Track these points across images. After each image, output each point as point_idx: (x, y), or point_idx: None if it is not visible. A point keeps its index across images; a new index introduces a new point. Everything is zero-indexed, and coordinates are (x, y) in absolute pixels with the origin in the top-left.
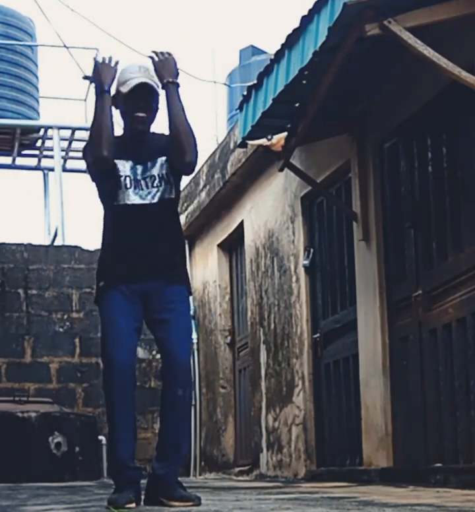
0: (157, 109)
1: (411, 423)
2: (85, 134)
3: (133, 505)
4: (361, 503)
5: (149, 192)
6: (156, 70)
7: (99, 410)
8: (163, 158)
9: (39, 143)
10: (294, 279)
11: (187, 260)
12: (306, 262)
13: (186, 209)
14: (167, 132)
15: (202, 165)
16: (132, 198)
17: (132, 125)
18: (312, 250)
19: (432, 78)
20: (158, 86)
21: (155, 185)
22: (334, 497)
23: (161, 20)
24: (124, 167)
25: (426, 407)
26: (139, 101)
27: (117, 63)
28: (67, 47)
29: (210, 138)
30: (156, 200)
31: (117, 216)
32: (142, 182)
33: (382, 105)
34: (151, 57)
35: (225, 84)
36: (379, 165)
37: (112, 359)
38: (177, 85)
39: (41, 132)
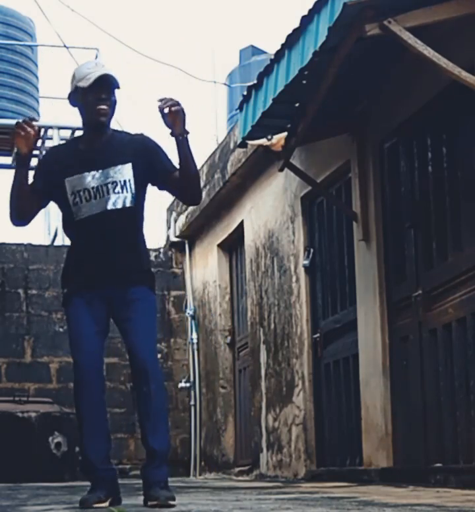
0: (116, 102)
1: (411, 423)
2: None
3: (104, 504)
4: (361, 503)
5: (108, 199)
6: (166, 123)
7: None
8: (129, 165)
9: (39, 143)
10: (294, 279)
11: (150, 263)
12: (306, 262)
13: (186, 209)
14: (128, 130)
15: (202, 165)
16: (91, 210)
17: (93, 119)
18: (312, 250)
19: (432, 78)
20: (117, 80)
21: (116, 191)
22: (334, 497)
23: (161, 20)
24: (80, 181)
25: (426, 407)
26: (101, 93)
27: (38, 132)
28: (67, 47)
29: (210, 138)
30: (115, 206)
31: (75, 230)
32: (103, 187)
33: (382, 105)
34: (161, 109)
35: (225, 84)
36: (379, 165)
37: (76, 363)
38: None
39: (41, 132)
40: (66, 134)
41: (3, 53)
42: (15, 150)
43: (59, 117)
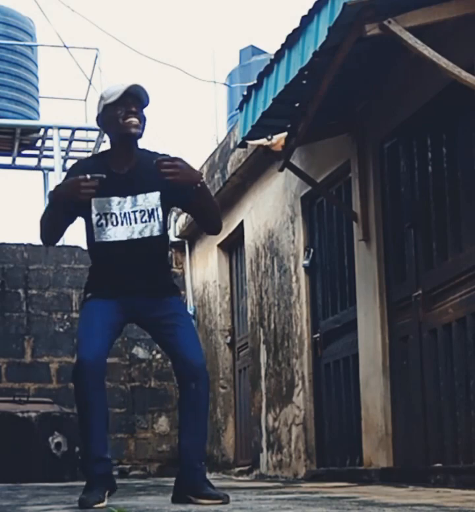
0: (145, 119)
1: (411, 423)
2: (85, 134)
3: (103, 504)
4: (361, 503)
5: (136, 228)
6: (177, 181)
7: None
8: (157, 194)
9: (39, 143)
10: (294, 279)
11: (172, 276)
12: (306, 262)
13: None
14: (156, 150)
15: (202, 165)
16: (115, 235)
17: (124, 132)
18: (312, 250)
19: (432, 78)
20: (147, 95)
21: (144, 220)
22: (334, 497)
23: (161, 20)
24: (108, 204)
25: (426, 407)
26: (131, 106)
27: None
28: (67, 47)
29: (210, 138)
30: (142, 236)
31: (96, 250)
32: (131, 215)
33: (382, 105)
34: (165, 169)
35: (225, 84)
36: (379, 165)
37: (81, 359)
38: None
39: (41, 132)
40: (67, 134)
41: (3, 53)
42: (59, 188)
43: (59, 117)
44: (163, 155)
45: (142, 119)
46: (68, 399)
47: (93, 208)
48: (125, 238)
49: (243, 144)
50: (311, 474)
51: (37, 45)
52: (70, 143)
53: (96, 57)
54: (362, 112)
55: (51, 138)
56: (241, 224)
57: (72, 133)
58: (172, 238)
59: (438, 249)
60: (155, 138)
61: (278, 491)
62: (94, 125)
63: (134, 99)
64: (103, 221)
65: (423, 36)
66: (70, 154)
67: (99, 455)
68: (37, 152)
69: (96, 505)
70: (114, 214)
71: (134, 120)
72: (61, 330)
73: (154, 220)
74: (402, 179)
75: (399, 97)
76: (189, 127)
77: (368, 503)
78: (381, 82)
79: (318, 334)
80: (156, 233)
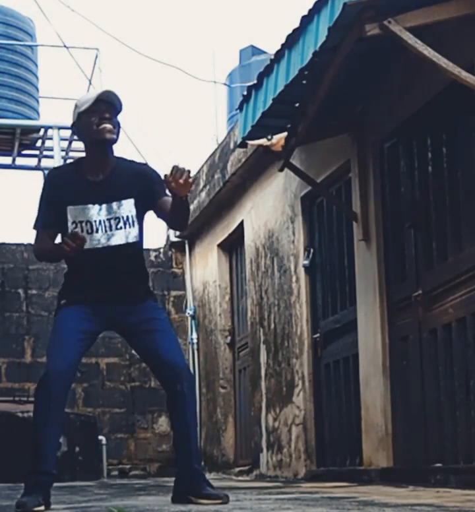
0: (119, 125)
1: (411, 423)
2: None
3: (42, 507)
4: (361, 503)
5: (111, 235)
6: (173, 187)
7: (99, 410)
8: (131, 201)
9: (39, 143)
10: (294, 279)
11: (149, 283)
12: (306, 262)
13: None
14: (133, 158)
15: (202, 165)
16: (91, 243)
17: (99, 139)
18: (312, 250)
19: (432, 78)
20: (120, 101)
21: (119, 227)
22: (334, 497)
23: (162, 19)
24: (83, 212)
25: (426, 407)
26: (104, 113)
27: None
28: (67, 47)
29: (210, 138)
30: (118, 243)
31: (75, 258)
32: (106, 222)
33: (382, 105)
34: (170, 176)
35: (225, 84)
36: (379, 165)
37: (52, 367)
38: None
39: (41, 132)
40: (67, 134)
41: (3, 53)
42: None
43: (59, 117)
44: (141, 164)
45: (116, 125)
46: (68, 399)
47: (68, 216)
48: (100, 246)
49: (243, 144)
50: (311, 474)
51: (37, 45)
52: (70, 143)
53: (96, 57)
54: (362, 112)
55: (51, 138)
56: (241, 223)
57: (72, 133)
58: (172, 238)
59: (438, 249)
60: (155, 138)
61: (278, 491)
62: None
63: (108, 105)
64: (78, 229)
65: (423, 36)
66: (70, 154)
67: (48, 469)
68: (37, 152)
69: (36, 508)
70: (89, 221)
71: (108, 126)
72: None
73: (129, 227)
74: (402, 179)
75: (399, 97)
76: (189, 127)
77: (368, 503)
78: (381, 82)
79: (318, 334)
80: (131, 240)
